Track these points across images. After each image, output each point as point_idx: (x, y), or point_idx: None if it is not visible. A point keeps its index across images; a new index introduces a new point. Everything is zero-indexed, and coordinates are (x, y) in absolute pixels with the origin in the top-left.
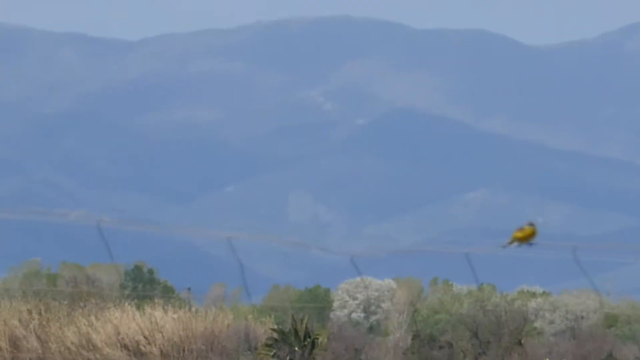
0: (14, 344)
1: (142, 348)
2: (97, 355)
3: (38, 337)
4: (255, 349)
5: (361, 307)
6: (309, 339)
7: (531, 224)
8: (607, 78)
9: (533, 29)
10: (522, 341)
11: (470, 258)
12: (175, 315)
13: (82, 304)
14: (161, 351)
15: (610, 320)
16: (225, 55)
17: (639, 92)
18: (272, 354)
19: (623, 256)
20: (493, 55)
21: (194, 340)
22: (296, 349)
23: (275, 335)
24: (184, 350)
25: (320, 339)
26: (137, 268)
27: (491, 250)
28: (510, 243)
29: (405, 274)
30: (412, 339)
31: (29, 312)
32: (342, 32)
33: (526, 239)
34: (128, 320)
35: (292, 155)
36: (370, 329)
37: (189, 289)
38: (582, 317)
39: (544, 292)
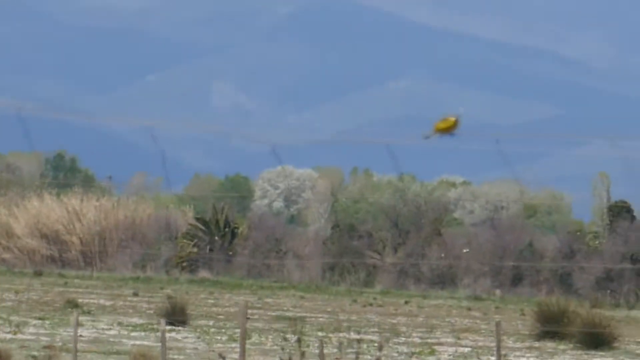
0: None
1: (62, 237)
2: (17, 244)
3: None
4: (176, 238)
5: (282, 196)
6: (229, 228)
7: (454, 115)
8: None
9: None
10: (442, 231)
11: (391, 148)
12: (96, 204)
13: (2, 192)
14: (81, 240)
15: (530, 211)
16: None
17: None
18: (192, 243)
19: (544, 146)
20: None
21: (115, 229)
22: (216, 238)
23: (195, 224)
24: (104, 239)
25: (240, 229)
26: (59, 156)
27: (412, 141)
28: (432, 133)
29: (326, 164)
30: (332, 229)
31: None
32: None
33: (448, 129)
34: (47, 210)
35: (215, 44)
36: (291, 218)
37: (110, 177)
38: (502, 208)
39: (464, 182)
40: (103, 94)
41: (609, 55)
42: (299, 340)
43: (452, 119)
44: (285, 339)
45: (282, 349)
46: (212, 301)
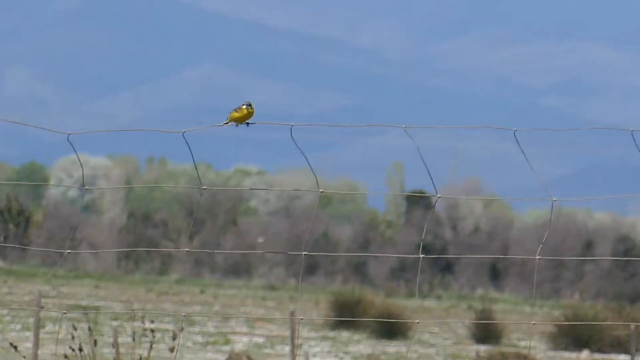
0: None
1: None
2: None
3: None
4: None
5: (77, 185)
6: (22, 217)
7: (249, 104)
8: None
9: None
10: (237, 220)
11: (186, 137)
12: None
13: None
14: None
15: (325, 200)
16: None
17: None
18: None
19: (339, 135)
20: None
21: None
22: (10, 226)
23: None
24: None
25: (34, 217)
26: None
27: (207, 130)
28: (227, 123)
29: (121, 152)
30: (127, 218)
31: None
32: None
33: (243, 119)
34: None
35: (7, 30)
36: (86, 207)
37: None
38: (297, 197)
39: (259, 171)
40: None
41: (401, 44)
42: (89, 329)
43: (247, 109)
44: (75, 328)
45: (73, 337)
46: (6, 290)
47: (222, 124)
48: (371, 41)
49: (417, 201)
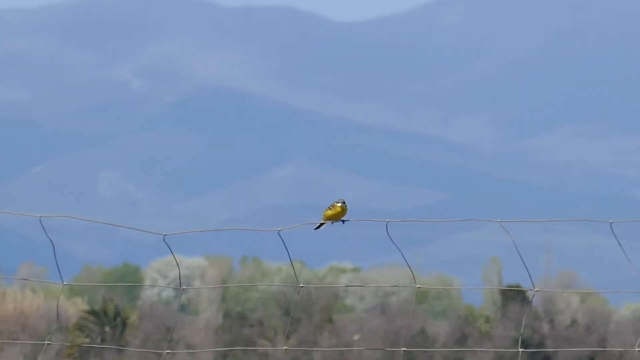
0: None
1: None
2: None
3: None
4: (67, 329)
5: (172, 285)
6: (119, 318)
7: (342, 202)
8: (417, 51)
9: (342, 5)
10: (333, 318)
11: (281, 235)
12: None
13: None
14: None
15: (421, 296)
16: (31, 35)
17: (448, 65)
18: (84, 334)
19: (432, 231)
20: (302, 32)
21: (4, 321)
22: (107, 328)
23: (86, 315)
24: None
25: (131, 318)
26: None
27: (302, 228)
28: (322, 224)
29: (215, 252)
30: (223, 318)
31: None
32: (147, 10)
33: (337, 216)
34: None
35: (101, 134)
36: (182, 308)
37: None
38: (393, 293)
39: (354, 268)
40: None
41: (493, 139)
42: None
43: (340, 206)
44: None
45: None
46: None
47: (316, 227)
48: (462, 136)
49: (514, 296)
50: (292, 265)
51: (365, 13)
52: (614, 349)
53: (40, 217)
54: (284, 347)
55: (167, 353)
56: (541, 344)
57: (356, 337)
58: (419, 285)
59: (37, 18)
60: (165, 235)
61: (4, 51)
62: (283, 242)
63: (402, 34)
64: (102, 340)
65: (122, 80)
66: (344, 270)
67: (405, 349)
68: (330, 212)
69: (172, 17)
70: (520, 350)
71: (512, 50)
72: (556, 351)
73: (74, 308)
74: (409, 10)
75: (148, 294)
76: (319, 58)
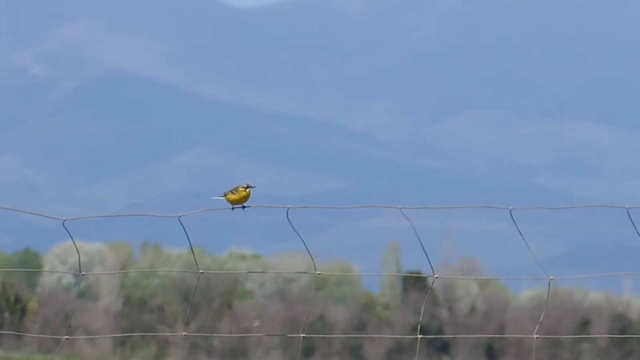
0: None
1: None
2: None
3: None
4: None
5: (72, 271)
6: (19, 305)
7: (247, 186)
8: (319, 38)
9: None
10: (233, 304)
11: (182, 221)
12: None
13: None
14: None
15: (321, 283)
16: None
17: (351, 52)
18: None
19: (332, 217)
20: (206, 19)
21: None
22: (6, 314)
23: None
24: None
25: (30, 304)
26: None
27: (201, 214)
28: (222, 197)
29: (115, 238)
30: (123, 304)
31: None
32: None
33: (240, 201)
34: None
35: (1, 119)
36: (81, 294)
37: None
38: (293, 280)
39: (254, 255)
40: None
41: (396, 126)
42: None
43: (244, 191)
44: None
45: None
46: None
47: (214, 197)
48: (363, 123)
49: (414, 282)
50: (192, 251)
51: None
52: (512, 336)
53: None
54: (183, 333)
55: (66, 339)
56: (440, 331)
57: (256, 324)
58: (318, 272)
59: None
60: (64, 220)
61: None
62: (183, 228)
63: (304, 20)
64: (1, 326)
65: (22, 65)
66: (244, 257)
67: (304, 335)
68: (233, 197)
69: (74, 2)
70: (419, 337)
71: (415, 38)
72: (454, 338)
73: None
74: None
75: (48, 280)
76: (221, 44)
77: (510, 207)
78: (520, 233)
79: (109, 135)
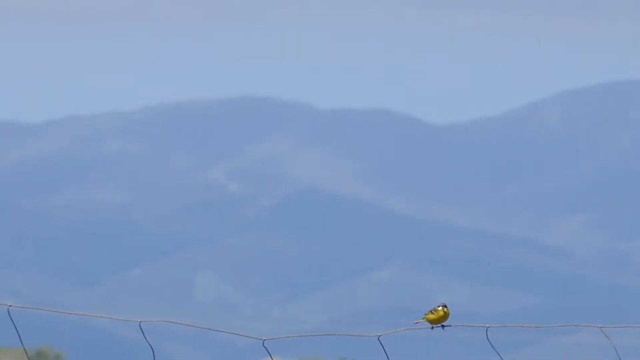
0: None
1: None
2: None
3: None
4: None
5: None
6: None
7: (444, 305)
8: (511, 155)
9: (437, 106)
10: None
11: (381, 341)
12: None
13: None
14: None
15: None
16: (129, 137)
17: (542, 169)
18: None
19: (530, 335)
20: (398, 134)
21: None
22: None
23: None
24: None
25: None
26: (40, 353)
27: (401, 332)
28: (420, 321)
29: (312, 355)
30: None
31: None
32: (244, 112)
33: (439, 320)
34: None
35: (197, 236)
36: None
37: None
38: None
39: None
40: (87, 287)
41: (591, 241)
42: None
43: (442, 310)
44: None
45: None
46: None
47: (415, 322)
48: (559, 240)
49: None
50: None
51: (460, 115)
52: None
53: (140, 322)
54: None
55: None
56: None
57: None
58: None
59: (134, 120)
60: (264, 340)
61: (102, 153)
62: (383, 348)
63: (498, 136)
64: None
65: (218, 183)
66: None
67: None
68: (432, 317)
69: (268, 119)
70: None
71: (610, 152)
72: None
73: None
74: (505, 113)
75: None
76: (413, 160)
77: None
78: None
79: (303, 252)
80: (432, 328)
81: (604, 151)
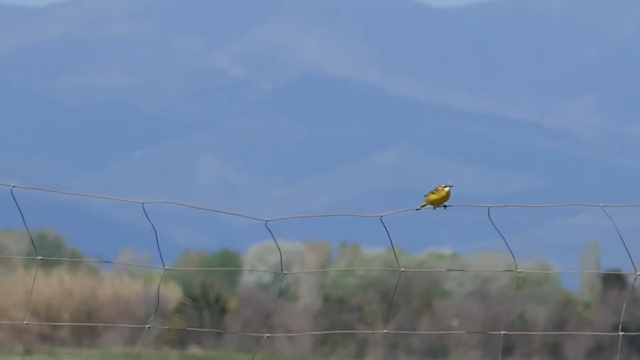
0: None
1: (52, 314)
2: (6, 322)
3: None
4: (166, 314)
5: (272, 271)
6: (219, 304)
7: (447, 186)
8: (514, 38)
9: None
10: (432, 303)
11: (383, 221)
12: (85, 280)
13: None
14: (71, 317)
15: (520, 282)
16: (133, 21)
17: (546, 51)
18: (183, 319)
19: (532, 216)
20: (400, 18)
21: (103, 306)
22: (206, 314)
23: (185, 300)
24: (94, 315)
25: (230, 304)
26: (43, 236)
27: (404, 213)
28: (424, 206)
29: (314, 237)
30: (322, 303)
31: None
32: None
33: (441, 201)
34: (37, 286)
35: (200, 120)
36: (281, 293)
37: (99, 254)
38: (492, 279)
39: (453, 254)
40: (90, 170)
41: (594, 124)
42: None
43: (444, 190)
44: None
45: None
46: None
47: (418, 208)
48: (563, 123)
49: (613, 281)
50: (394, 250)
51: None
52: None
53: (143, 203)
54: (385, 331)
55: (267, 337)
56: None
57: (454, 323)
58: (519, 270)
59: (137, 4)
60: (267, 221)
61: (103, 37)
62: (385, 228)
63: (501, 19)
64: (201, 325)
65: (221, 66)
66: (442, 256)
67: (506, 332)
68: (434, 197)
69: (273, 1)
70: (621, 333)
71: (614, 34)
72: None
73: (171, 293)
74: None
75: (247, 279)
76: (419, 45)
77: None
78: None
79: (306, 135)
80: (434, 208)
81: (609, 32)
